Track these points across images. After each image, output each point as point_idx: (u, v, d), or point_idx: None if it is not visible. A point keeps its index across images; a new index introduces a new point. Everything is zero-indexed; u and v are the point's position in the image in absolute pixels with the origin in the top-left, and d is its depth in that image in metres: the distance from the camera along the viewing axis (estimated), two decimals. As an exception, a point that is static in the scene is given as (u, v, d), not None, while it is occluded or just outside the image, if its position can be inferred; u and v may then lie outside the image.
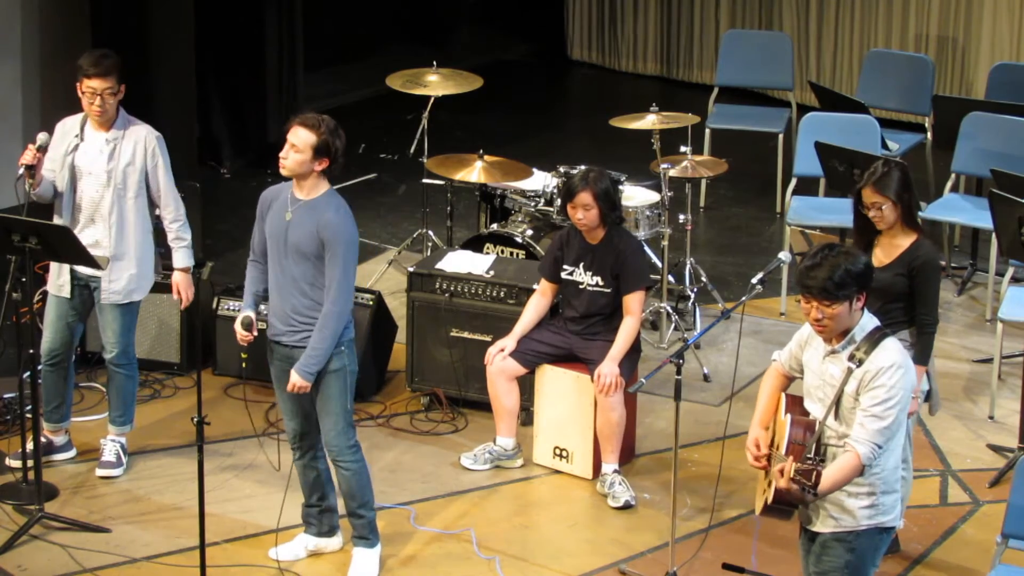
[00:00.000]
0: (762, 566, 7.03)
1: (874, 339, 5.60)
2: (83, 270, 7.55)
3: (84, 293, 7.64)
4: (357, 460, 6.93)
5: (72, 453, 7.99)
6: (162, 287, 8.70)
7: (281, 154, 6.67)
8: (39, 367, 7.62)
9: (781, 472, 5.51)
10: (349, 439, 6.89)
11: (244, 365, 7.01)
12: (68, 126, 7.55)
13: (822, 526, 5.74)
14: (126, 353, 7.70)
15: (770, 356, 9.08)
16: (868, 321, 5.65)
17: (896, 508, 5.74)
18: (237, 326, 6.84)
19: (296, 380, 6.72)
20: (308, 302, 6.73)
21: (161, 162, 7.54)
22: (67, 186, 7.52)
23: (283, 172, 6.72)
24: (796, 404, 5.81)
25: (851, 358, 5.59)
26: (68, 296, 7.64)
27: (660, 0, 14.41)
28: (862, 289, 5.58)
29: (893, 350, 5.58)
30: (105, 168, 7.46)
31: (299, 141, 6.63)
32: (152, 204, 7.63)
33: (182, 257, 7.65)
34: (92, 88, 7.38)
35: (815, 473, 5.47)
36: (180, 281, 7.66)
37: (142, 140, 7.50)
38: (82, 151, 7.50)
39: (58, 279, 7.61)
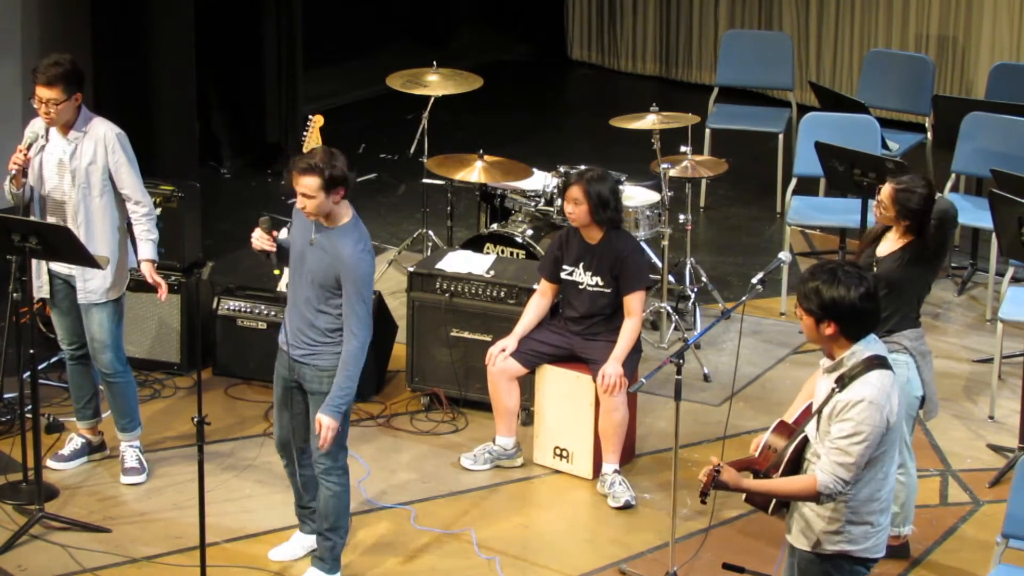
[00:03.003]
0: (762, 566, 7.03)
1: (865, 367, 5.46)
2: (60, 268, 7.55)
3: (67, 289, 7.62)
4: (341, 484, 6.87)
5: (105, 452, 8.02)
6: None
7: (298, 205, 6.62)
8: (67, 363, 7.80)
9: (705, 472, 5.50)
10: (337, 461, 6.84)
11: (277, 273, 6.77)
12: (35, 128, 7.52)
13: (795, 540, 5.67)
14: (118, 358, 7.65)
15: (770, 356, 9.18)
16: (864, 349, 5.50)
17: (870, 540, 5.57)
18: (257, 231, 6.75)
19: (324, 420, 6.62)
20: (314, 325, 6.69)
21: (123, 159, 7.46)
22: (36, 188, 7.51)
23: (312, 217, 6.63)
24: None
25: (838, 380, 5.49)
26: (48, 296, 7.64)
27: (660, 0, 14.41)
28: (827, 317, 5.44)
29: (872, 385, 5.42)
30: (68, 168, 7.44)
31: (307, 189, 6.54)
32: (122, 201, 7.58)
33: (150, 249, 7.58)
34: (39, 95, 7.35)
35: (704, 483, 5.48)
36: (152, 271, 7.58)
37: (102, 138, 7.44)
38: (48, 152, 7.48)
39: (37, 280, 7.59)
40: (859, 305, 5.44)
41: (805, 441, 5.59)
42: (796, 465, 5.59)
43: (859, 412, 5.39)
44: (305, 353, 6.73)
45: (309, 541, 7.17)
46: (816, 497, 5.46)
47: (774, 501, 5.64)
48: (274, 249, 6.81)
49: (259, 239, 6.80)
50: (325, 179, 6.52)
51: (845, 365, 5.49)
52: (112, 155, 7.45)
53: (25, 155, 7.38)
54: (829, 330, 5.47)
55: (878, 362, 5.48)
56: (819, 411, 5.53)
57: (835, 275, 5.45)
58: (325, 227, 6.65)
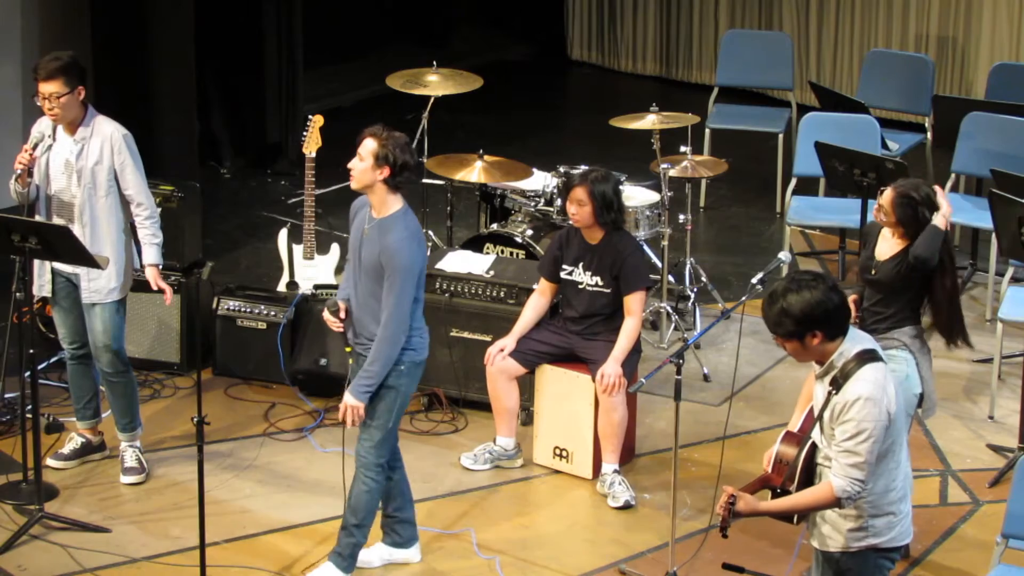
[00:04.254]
0: (763, 566, 7.03)
1: (858, 363, 5.46)
2: (64, 267, 7.55)
3: (69, 288, 7.63)
4: (378, 480, 6.87)
5: (105, 452, 8.02)
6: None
7: (350, 164, 6.68)
8: (67, 362, 7.81)
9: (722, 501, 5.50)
10: (379, 457, 6.83)
11: (352, 361, 6.80)
12: (42, 127, 7.52)
13: (818, 543, 5.68)
14: (119, 357, 7.65)
15: (770, 356, 9.18)
16: (852, 346, 5.50)
17: (894, 529, 5.60)
18: (325, 313, 6.82)
19: (348, 400, 6.69)
20: (376, 317, 6.71)
21: (129, 159, 7.46)
22: (43, 187, 7.51)
23: (352, 185, 6.71)
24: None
25: (833, 382, 5.50)
26: (50, 295, 7.64)
27: (660, 0, 14.42)
28: (809, 329, 5.44)
29: (866, 381, 5.42)
30: (75, 168, 7.44)
31: (363, 150, 6.65)
32: (126, 202, 7.58)
33: (155, 254, 7.59)
34: (41, 91, 7.34)
35: (722, 518, 5.46)
36: (157, 276, 7.60)
37: (108, 138, 7.44)
38: (55, 152, 7.48)
39: (40, 279, 7.59)
40: (829, 301, 5.43)
41: (814, 447, 5.60)
42: (809, 473, 5.59)
43: (858, 411, 5.39)
44: (368, 347, 6.74)
45: (388, 553, 7.14)
46: (837, 502, 5.47)
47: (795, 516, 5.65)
48: (342, 330, 6.83)
49: (329, 322, 6.85)
50: (381, 150, 6.60)
51: (836, 366, 5.49)
52: (118, 155, 7.45)
53: (31, 154, 7.38)
54: (816, 340, 5.46)
55: (868, 356, 5.49)
56: (820, 416, 5.54)
57: (791, 287, 5.44)
58: (375, 217, 6.70)
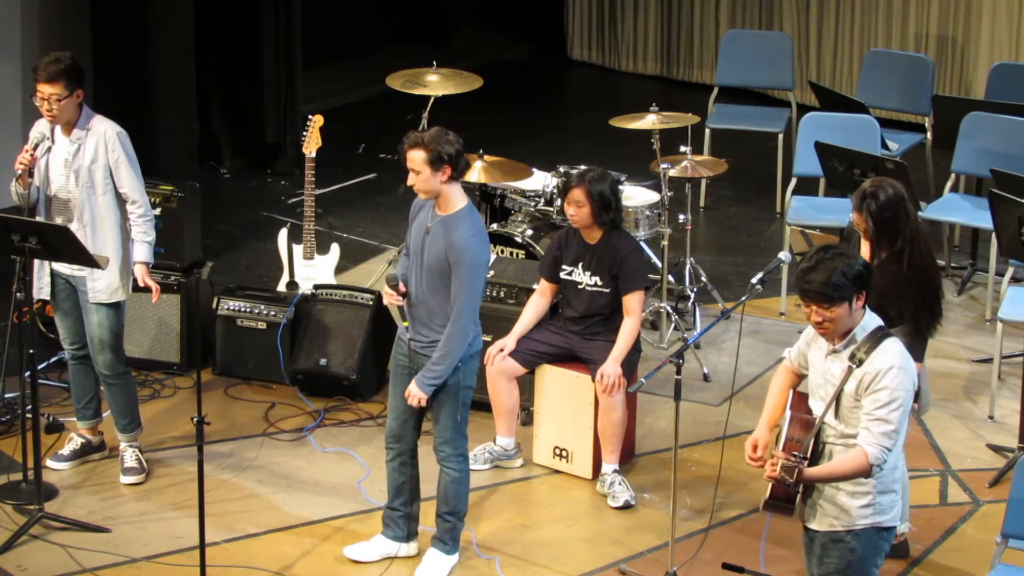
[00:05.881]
0: (764, 565, 7.03)
1: (876, 339, 5.62)
2: (63, 269, 7.55)
3: (69, 290, 7.62)
4: (461, 469, 7.01)
5: (105, 452, 8.02)
6: (164, 288, 8.72)
7: (409, 181, 6.71)
8: (68, 362, 7.82)
9: (773, 464, 5.58)
10: (457, 448, 6.98)
11: (410, 337, 6.82)
12: (41, 128, 7.53)
13: (819, 524, 5.77)
14: (118, 359, 7.64)
15: (770, 356, 9.18)
16: (870, 321, 5.67)
17: (895, 508, 5.76)
18: (383, 286, 6.88)
19: (412, 390, 6.81)
20: (434, 315, 6.78)
21: (123, 156, 7.47)
22: (42, 188, 7.52)
23: (421, 197, 6.77)
24: (802, 401, 5.84)
25: (851, 357, 5.61)
26: (49, 297, 7.64)
27: (660, 0, 14.42)
28: (860, 289, 5.60)
29: (894, 352, 5.59)
30: (72, 168, 7.45)
31: (413, 163, 6.66)
32: (123, 201, 7.58)
33: (145, 251, 7.58)
34: (41, 92, 7.36)
35: (797, 471, 5.56)
36: (145, 273, 7.58)
37: (102, 136, 7.45)
38: (54, 153, 7.49)
39: (39, 281, 7.59)
40: (862, 262, 5.63)
41: (820, 427, 5.70)
42: (815, 452, 5.71)
43: (892, 379, 5.54)
44: (425, 344, 6.81)
45: (388, 547, 7.18)
46: (869, 470, 5.58)
47: (797, 502, 5.70)
48: (402, 303, 6.86)
49: (388, 295, 6.88)
50: (431, 154, 6.61)
51: (856, 341, 5.63)
52: (112, 153, 7.45)
53: (32, 155, 7.39)
54: (860, 301, 5.62)
55: (883, 332, 5.65)
56: (838, 393, 5.63)
57: (836, 253, 5.60)
58: (440, 215, 6.74)
